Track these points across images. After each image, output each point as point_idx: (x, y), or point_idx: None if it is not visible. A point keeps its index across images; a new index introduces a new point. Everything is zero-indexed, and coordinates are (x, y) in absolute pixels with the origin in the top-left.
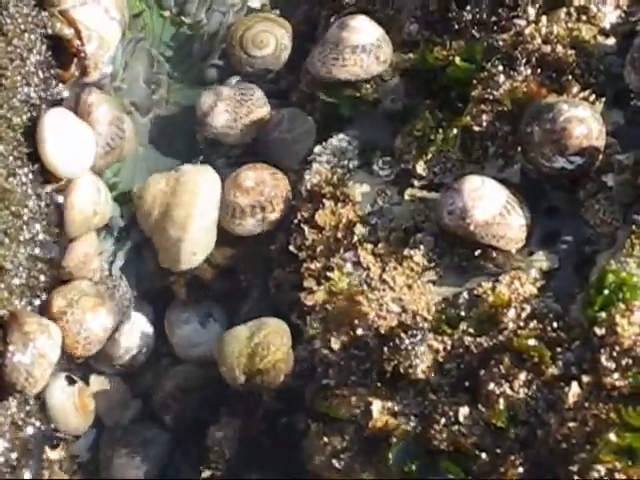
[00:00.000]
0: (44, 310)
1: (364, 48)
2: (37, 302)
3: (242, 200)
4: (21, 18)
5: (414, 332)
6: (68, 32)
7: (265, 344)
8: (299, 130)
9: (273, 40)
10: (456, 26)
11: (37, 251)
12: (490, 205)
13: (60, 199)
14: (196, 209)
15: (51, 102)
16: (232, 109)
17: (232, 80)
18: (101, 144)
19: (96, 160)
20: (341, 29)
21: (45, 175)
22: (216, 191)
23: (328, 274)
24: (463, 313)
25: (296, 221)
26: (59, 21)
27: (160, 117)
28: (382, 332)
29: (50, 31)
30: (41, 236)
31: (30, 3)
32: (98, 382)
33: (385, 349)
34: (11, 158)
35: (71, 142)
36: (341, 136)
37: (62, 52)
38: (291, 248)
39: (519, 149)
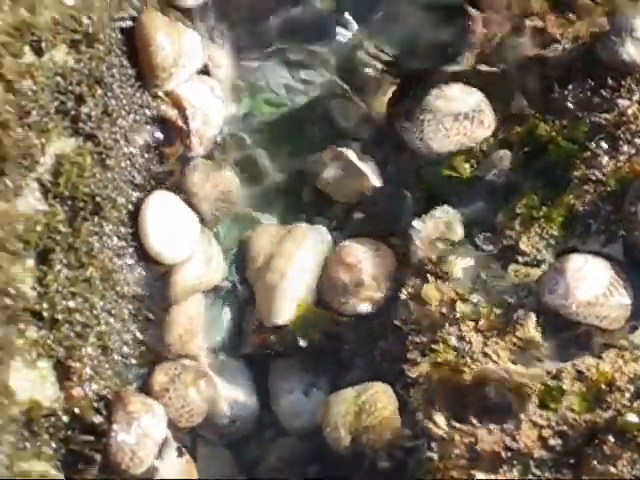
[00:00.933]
0: (146, 386)
1: (466, 115)
2: (139, 379)
3: (344, 277)
4: (126, 99)
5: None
6: (172, 113)
7: (372, 401)
8: (395, 202)
9: None
10: (559, 105)
11: (140, 328)
12: (593, 286)
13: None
14: (296, 261)
15: (155, 179)
16: (342, 167)
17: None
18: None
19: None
20: (438, 98)
21: (149, 257)
22: (323, 252)
23: (433, 346)
24: (566, 389)
25: (402, 296)
26: (164, 102)
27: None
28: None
29: (155, 112)
30: (144, 313)
31: (135, 84)
32: (204, 452)
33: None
34: (115, 238)
35: (174, 229)
36: (445, 207)
37: (167, 129)
38: (396, 322)
39: (622, 227)
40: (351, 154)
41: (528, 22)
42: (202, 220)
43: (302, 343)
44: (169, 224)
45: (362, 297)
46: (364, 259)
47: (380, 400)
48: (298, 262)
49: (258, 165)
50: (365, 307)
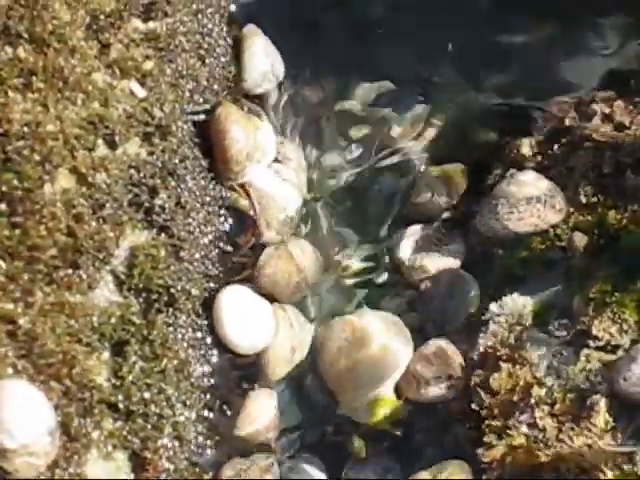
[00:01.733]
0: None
1: (539, 199)
2: (214, 468)
3: (426, 371)
4: (199, 191)
5: None
6: (244, 204)
7: (449, 478)
8: (458, 297)
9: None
10: (631, 192)
11: (216, 418)
12: None
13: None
14: (386, 370)
15: (230, 270)
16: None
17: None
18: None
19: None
20: (510, 185)
21: (226, 348)
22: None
23: (508, 431)
24: None
25: (472, 384)
26: (237, 194)
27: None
28: None
29: (227, 204)
30: (220, 403)
31: (208, 176)
32: None
33: None
34: (190, 330)
35: (250, 321)
36: (516, 296)
37: (240, 220)
38: (473, 406)
39: None
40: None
41: (595, 107)
42: (279, 304)
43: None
44: (244, 316)
45: (441, 386)
46: (446, 352)
47: (457, 476)
48: (387, 371)
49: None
50: (442, 393)
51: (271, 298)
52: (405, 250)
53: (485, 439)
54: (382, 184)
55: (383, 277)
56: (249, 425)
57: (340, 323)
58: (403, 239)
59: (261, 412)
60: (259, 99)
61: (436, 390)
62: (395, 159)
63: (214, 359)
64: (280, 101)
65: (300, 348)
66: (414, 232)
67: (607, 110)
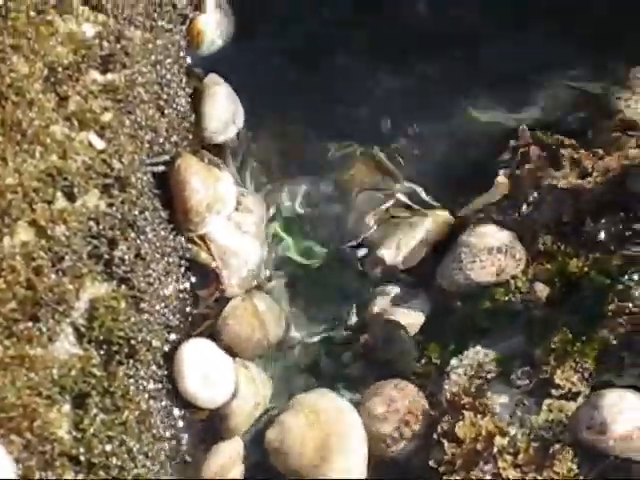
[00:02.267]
0: None
1: (499, 249)
2: None
3: (386, 428)
4: (159, 242)
5: None
6: (204, 256)
7: None
8: (395, 352)
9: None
10: (591, 239)
11: (178, 470)
12: (630, 419)
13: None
14: (353, 440)
15: (191, 322)
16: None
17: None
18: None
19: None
20: (470, 236)
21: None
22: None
23: None
24: None
25: (435, 435)
26: (197, 245)
27: None
28: None
29: (188, 256)
30: (182, 455)
31: (168, 227)
32: None
33: None
34: (151, 382)
35: (210, 376)
36: (478, 348)
37: (201, 272)
38: (431, 463)
39: None
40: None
41: (564, 151)
42: (241, 360)
43: None
44: (205, 370)
45: (407, 435)
46: (390, 401)
47: None
48: (354, 440)
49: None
50: (412, 442)
51: (232, 353)
52: (379, 306)
53: None
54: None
55: (341, 334)
56: (215, 475)
57: (289, 417)
58: (377, 297)
59: (227, 464)
60: (218, 148)
61: (404, 443)
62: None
63: (175, 411)
64: (240, 151)
65: (263, 404)
66: (386, 291)
67: (575, 155)
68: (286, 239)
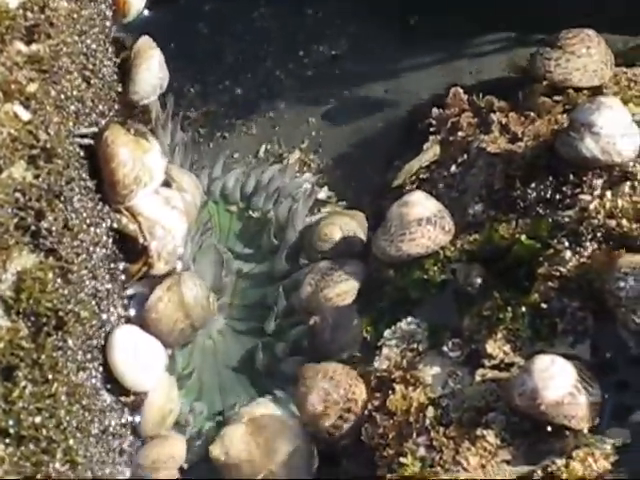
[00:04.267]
0: None
1: (429, 220)
2: None
3: (328, 421)
4: (86, 212)
5: None
6: (132, 227)
7: None
8: (343, 335)
9: (337, 230)
10: (521, 204)
11: (111, 443)
12: (560, 385)
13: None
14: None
15: (118, 296)
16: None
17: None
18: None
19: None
20: (401, 206)
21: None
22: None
23: (401, 459)
24: None
25: (366, 411)
26: (124, 216)
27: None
28: None
29: (115, 225)
30: (114, 429)
31: (95, 197)
32: None
33: None
34: (80, 352)
35: (141, 362)
36: (410, 319)
37: (128, 245)
38: (363, 438)
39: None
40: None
41: (493, 116)
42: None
43: None
44: (135, 357)
45: (351, 420)
46: (327, 395)
47: None
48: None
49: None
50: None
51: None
52: (306, 289)
53: (378, 472)
54: (280, 216)
55: (271, 326)
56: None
57: (232, 429)
58: (305, 278)
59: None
60: (146, 118)
61: (348, 426)
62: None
63: (107, 382)
64: (167, 121)
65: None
66: (316, 269)
67: (504, 120)
68: (216, 227)
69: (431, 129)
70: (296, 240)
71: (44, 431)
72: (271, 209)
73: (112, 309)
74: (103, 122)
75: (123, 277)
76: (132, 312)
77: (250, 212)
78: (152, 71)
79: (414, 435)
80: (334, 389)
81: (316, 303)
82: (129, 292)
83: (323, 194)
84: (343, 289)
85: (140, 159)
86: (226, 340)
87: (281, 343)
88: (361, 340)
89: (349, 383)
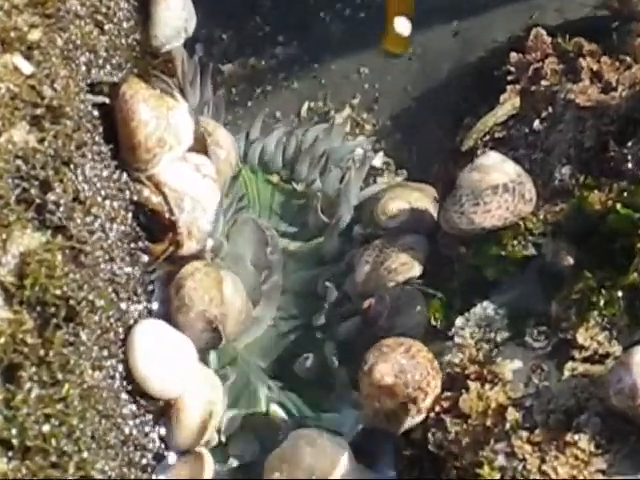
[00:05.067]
0: None
1: (506, 187)
2: None
3: (391, 404)
4: (100, 183)
5: None
6: (156, 200)
7: None
8: (404, 321)
9: (406, 206)
10: (616, 166)
11: (133, 456)
12: None
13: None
14: None
15: (140, 282)
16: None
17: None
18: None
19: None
20: (473, 171)
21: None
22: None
23: (477, 471)
24: None
25: (433, 414)
26: (145, 187)
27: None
28: None
29: (135, 198)
30: (136, 439)
31: (111, 164)
32: None
33: None
34: (95, 348)
35: (167, 362)
36: (486, 304)
37: (152, 221)
38: (430, 447)
39: None
40: None
41: (583, 62)
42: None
43: None
44: (160, 357)
45: (413, 413)
46: (400, 371)
47: None
48: None
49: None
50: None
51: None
52: (362, 269)
53: None
54: (328, 187)
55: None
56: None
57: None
58: (361, 257)
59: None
60: (170, 66)
61: (410, 420)
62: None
63: (128, 384)
64: (195, 73)
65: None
66: (373, 246)
67: (595, 66)
68: (254, 201)
69: (509, 78)
70: (350, 217)
71: (53, 442)
72: (317, 179)
73: (133, 297)
74: (120, 75)
75: (146, 259)
76: (155, 304)
77: (293, 184)
78: (174, 10)
79: (492, 442)
80: (411, 369)
81: (375, 283)
82: (153, 277)
83: (379, 161)
84: (407, 259)
85: (165, 118)
86: (270, 336)
87: (330, 343)
88: (425, 328)
89: (428, 371)
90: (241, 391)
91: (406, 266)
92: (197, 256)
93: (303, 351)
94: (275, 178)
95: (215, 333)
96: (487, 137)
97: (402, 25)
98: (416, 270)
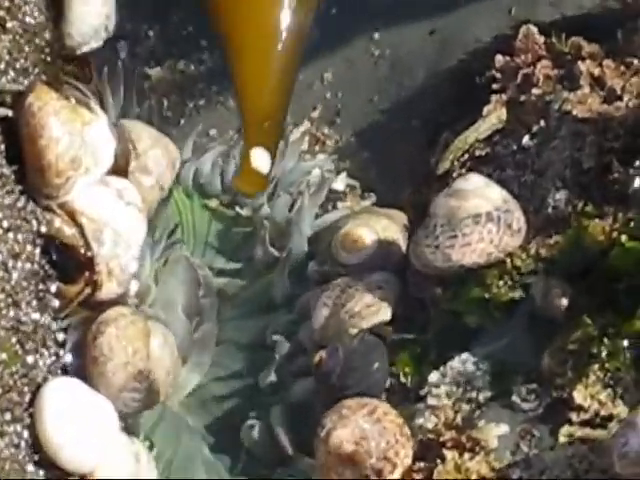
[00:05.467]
0: None
1: (489, 216)
2: None
3: (351, 475)
4: (1, 212)
5: None
6: (70, 232)
7: None
8: (359, 379)
9: (370, 236)
10: (621, 190)
11: None
12: None
13: None
14: None
15: (50, 332)
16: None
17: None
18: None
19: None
20: (450, 197)
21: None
22: None
23: None
24: None
25: None
26: (57, 216)
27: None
28: None
29: (45, 230)
30: None
31: (15, 190)
32: None
33: None
34: None
35: (82, 429)
36: (465, 356)
37: (65, 257)
38: None
39: None
40: None
41: (582, 66)
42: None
43: None
44: (74, 425)
45: None
46: (362, 438)
47: None
48: None
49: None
50: None
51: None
52: (320, 313)
53: None
54: (278, 214)
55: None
56: None
57: None
58: (319, 298)
59: None
60: (86, 71)
61: None
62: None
63: (31, 453)
64: (118, 80)
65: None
66: (333, 286)
67: (596, 71)
68: (188, 230)
69: (494, 85)
70: (303, 250)
71: None
72: (265, 204)
73: (42, 349)
74: (26, 82)
75: (57, 303)
76: (68, 357)
77: (237, 209)
78: (93, 4)
79: None
80: (376, 435)
81: (335, 330)
82: (66, 324)
83: (341, 183)
84: (374, 300)
85: (79, 134)
86: (204, 403)
87: (277, 407)
88: (384, 386)
89: (397, 437)
90: (172, 462)
91: (372, 309)
92: (119, 301)
93: (245, 417)
94: (214, 203)
95: (139, 393)
96: (467, 155)
97: (261, 159)
98: (384, 314)
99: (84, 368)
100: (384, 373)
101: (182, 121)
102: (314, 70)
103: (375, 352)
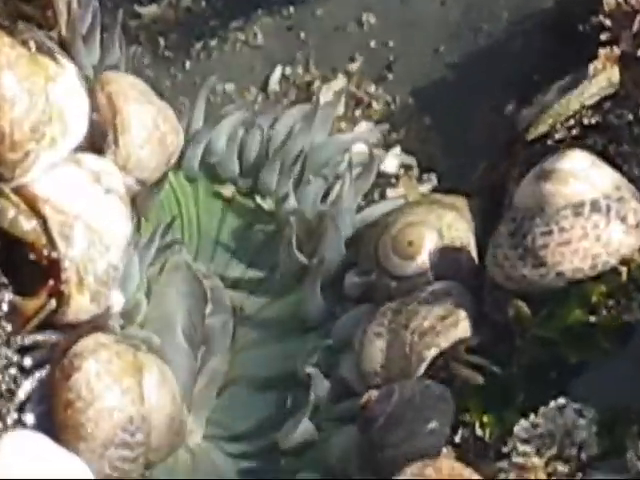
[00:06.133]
0: None
1: (595, 205)
2: None
3: None
4: None
5: None
6: (28, 226)
7: None
8: (401, 438)
9: (430, 236)
10: None
11: None
12: None
13: None
14: None
15: (3, 363)
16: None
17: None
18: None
19: None
20: (542, 179)
21: None
22: None
23: None
24: None
25: None
26: (12, 205)
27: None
28: None
29: None
30: None
31: None
32: None
33: None
34: None
35: None
36: (563, 400)
37: (22, 260)
38: None
39: None
40: None
41: None
42: None
43: None
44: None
45: None
46: None
47: None
48: None
49: None
50: None
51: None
52: (372, 354)
53: None
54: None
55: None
56: None
57: None
58: (367, 328)
59: None
60: (50, 13)
61: None
62: None
63: None
64: (94, 22)
65: None
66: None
67: None
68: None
69: (602, 36)
70: (341, 255)
71: None
72: (291, 194)
73: None
74: None
75: (9, 326)
76: (27, 401)
77: (257, 199)
78: None
79: None
80: None
81: (401, 364)
82: (26, 354)
83: (392, 162)
84: (447, 309)
85: (42, 93)
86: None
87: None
88: (445, 441)
89: None
90: None
91: (447, 321)
92: (95, 323)
93: None
94: (228, 190)
95: (130, 450)
96: (567, 124)
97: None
98: (464, 328)
99: (50, 416)
100: (440, 438)
101: (187, 64)
102: (349, 6)
103: (436, 408)
